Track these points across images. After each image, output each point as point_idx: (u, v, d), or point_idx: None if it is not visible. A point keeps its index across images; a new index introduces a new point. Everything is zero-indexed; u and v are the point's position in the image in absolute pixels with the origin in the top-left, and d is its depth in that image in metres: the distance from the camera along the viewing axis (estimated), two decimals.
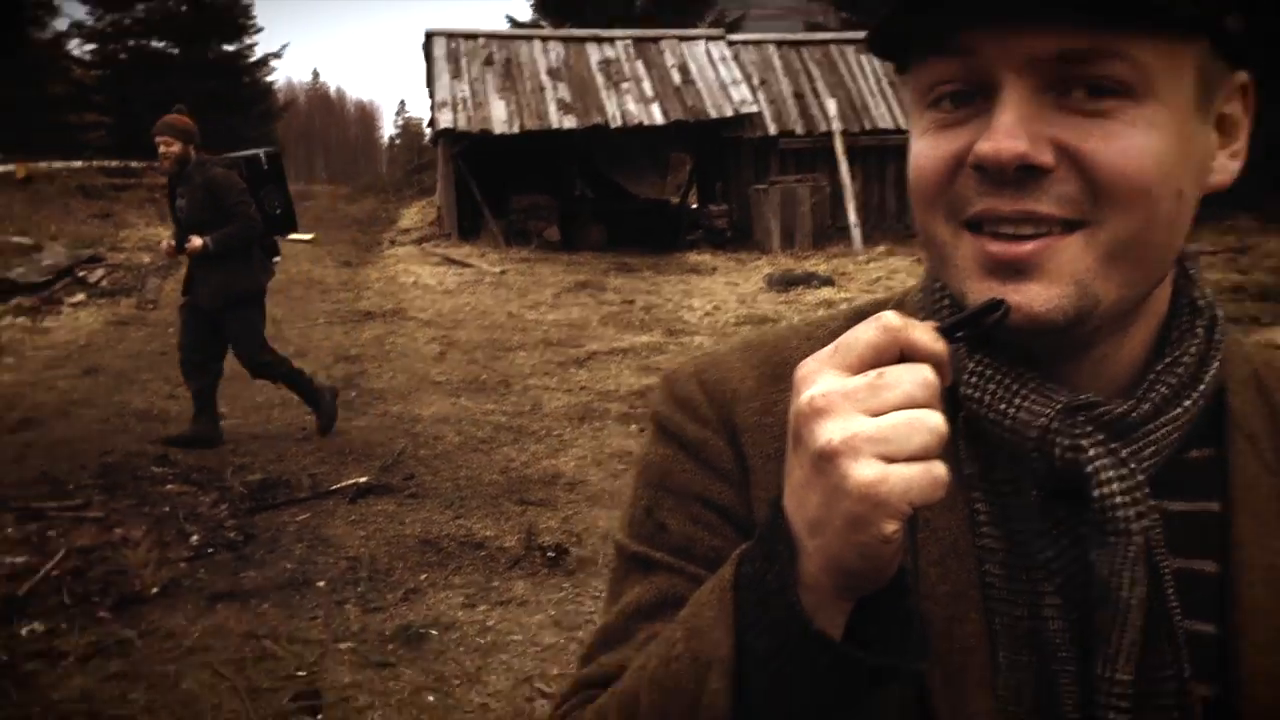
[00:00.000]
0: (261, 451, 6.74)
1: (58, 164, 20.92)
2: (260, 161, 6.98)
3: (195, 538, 5.20)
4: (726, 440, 0.87)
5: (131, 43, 34.30)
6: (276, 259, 7.46)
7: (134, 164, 21.93)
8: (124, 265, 14.01)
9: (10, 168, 20.09)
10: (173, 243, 6.73)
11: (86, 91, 33.67)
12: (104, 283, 12.67)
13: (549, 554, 4.97)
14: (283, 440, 7.02)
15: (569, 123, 17.64)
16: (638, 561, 0.88)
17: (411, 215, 21.99)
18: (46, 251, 13.70)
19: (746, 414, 0.88)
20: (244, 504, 5.72)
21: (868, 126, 18.69)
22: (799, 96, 19.03)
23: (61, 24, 33.85)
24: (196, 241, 6.50)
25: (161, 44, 34.35)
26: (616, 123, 17.66)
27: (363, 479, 6.08)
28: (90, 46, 34.38)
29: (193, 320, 6.79)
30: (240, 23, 35.46)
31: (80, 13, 34.03)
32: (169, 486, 5.98)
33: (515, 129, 17.50)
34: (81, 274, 12.80)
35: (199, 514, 5.56)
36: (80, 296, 12.01)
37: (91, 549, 4.95)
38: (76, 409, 7.68)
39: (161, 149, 6.58)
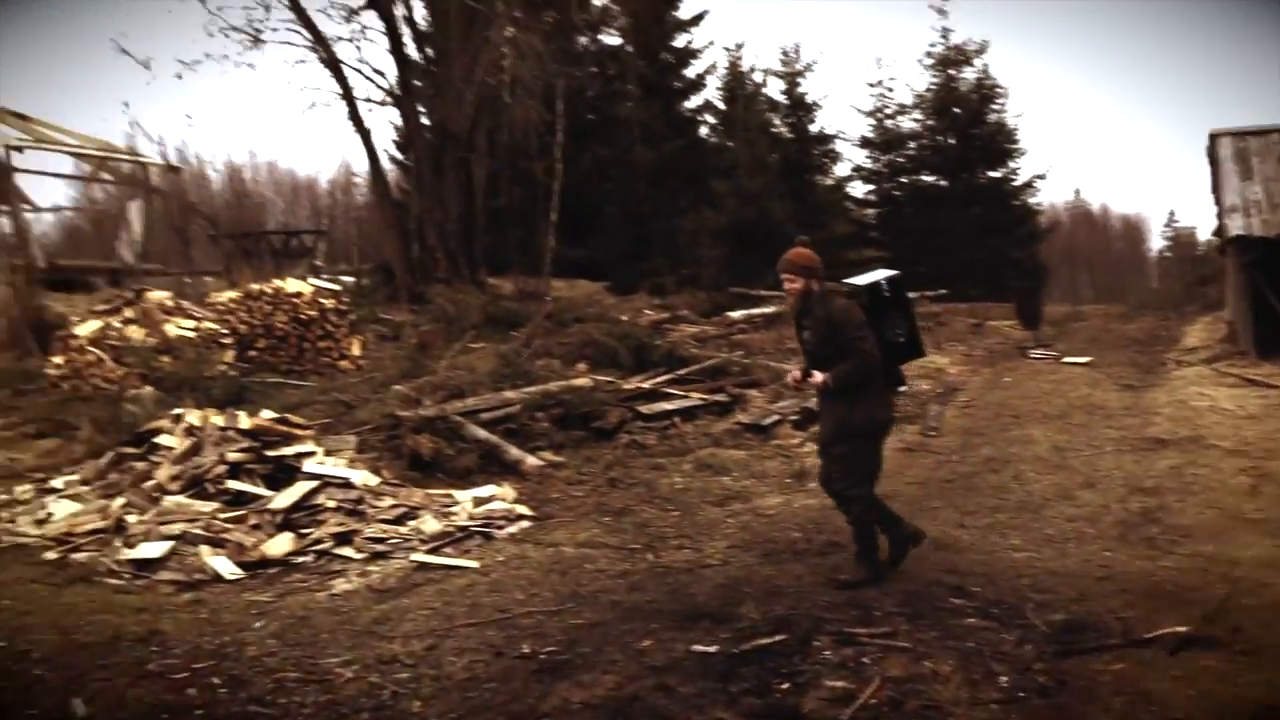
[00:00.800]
0: (1060, 589, 6.38)
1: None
2: (882, 288, 6.77)
3: (1004, 679, 5.00)
4: None
5: (904, 179, 36.79)
6: (902, 388, 7.25)
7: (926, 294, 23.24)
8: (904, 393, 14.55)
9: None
10: (799, 374, 6.80)
11: (865, 228, 36.62)
12: None
13: None
14: (1081, 577, 6.61)
15: None
16: None
17: (1197, 333, 20.39)
18: None
19: None
20: (1049, 646, 5.42)
21: None
22: None
23: (843, 169, 37.21)
24: (818, 377, 6.51)
25: (931, 178, 36.37)
26: None
27: (1182, 628, 5.46)
28: (869, 187, 37.59)
29: None
30: (1005, 149, 36.24)
31: (860, 157, 37.31)
32: (969, 620, 5.86)
33: None
34: None
35: (1004, 653, 5.35)
36: None
37: (904, 680, 4.96)
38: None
39: (786, 285, 6.68)
